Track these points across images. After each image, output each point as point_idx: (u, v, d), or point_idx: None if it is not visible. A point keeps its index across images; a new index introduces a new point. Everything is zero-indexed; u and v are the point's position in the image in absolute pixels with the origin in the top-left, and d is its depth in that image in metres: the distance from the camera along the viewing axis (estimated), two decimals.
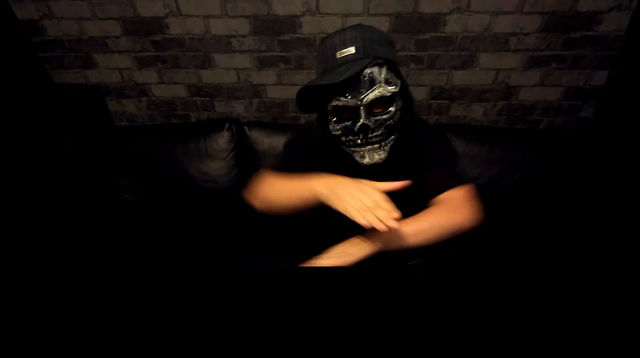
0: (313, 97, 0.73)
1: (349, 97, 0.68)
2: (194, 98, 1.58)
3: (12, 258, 1.11)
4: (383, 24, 1.31)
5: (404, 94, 0.74)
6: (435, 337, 0.47)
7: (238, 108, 1.60)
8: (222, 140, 1.43)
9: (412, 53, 1.37)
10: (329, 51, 0.70)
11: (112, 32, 1.41)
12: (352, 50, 0.68)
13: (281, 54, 1.41)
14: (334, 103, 0.70)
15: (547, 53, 1.33)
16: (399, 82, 0.72)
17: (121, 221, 1.41)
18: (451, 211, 0.73)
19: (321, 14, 1.31)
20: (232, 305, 0.50)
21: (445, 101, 1.49)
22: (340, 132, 0.74)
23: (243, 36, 1.38)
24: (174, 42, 1.42)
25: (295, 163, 0.84)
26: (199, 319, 0.47)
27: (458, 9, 1.26)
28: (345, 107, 0.71)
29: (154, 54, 1.46)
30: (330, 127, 0.75)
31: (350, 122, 0.71)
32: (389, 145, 0.75)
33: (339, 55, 0.68)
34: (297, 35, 1.36)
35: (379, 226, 0.57)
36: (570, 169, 1.29)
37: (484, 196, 1.32)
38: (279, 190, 0.78)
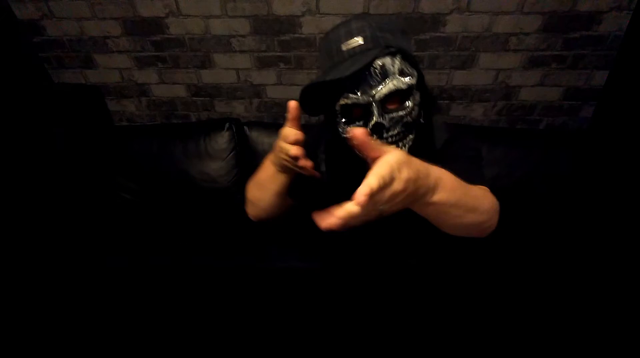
0: (319, 97, 0.66)
1: (359, 93, 0.61)
2: (194, 98, 1.58)
3: (13, 257, 1.11)
4: None
5: (421, 87, 0.66)
6: (433, 336, 0.47)
7: (238, 108, 1.60)
8: (222, 140, 1.43)
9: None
10: (333, 45, 0.63)
11: (112, 32, 1.41)
12: (359, 41, 0.60)
13: (281, 54, 1.41)
14: (342, 102, 0.63)
15: (547, 53, 1.33)
16: (415, 73, 0.63)
17: (121, 221, 1.41)
18: (485, 195, 0.60)
19: (321, 14, 1.31)
20: (231, 304, 0.50)
21: (445, 101, 1.49)
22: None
23: (243, 36, 1.38)
24: (174, 42, 1.42)
25: None
26: (198, 318, 0.47)
27: (458, 9, 1.26)
28: (355, 106, 0.63)
29: (154, 54, 1.46)
30: (340, 129, 0.67)
31: (362, 122, 0.64)
32: (407, 146, 0.66)
33: (344, 47, 0.61)
34: (297, 35, 1.36)
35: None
36: (570, 169, 1.29)
37: None
38: (255, 182, 0.75)
